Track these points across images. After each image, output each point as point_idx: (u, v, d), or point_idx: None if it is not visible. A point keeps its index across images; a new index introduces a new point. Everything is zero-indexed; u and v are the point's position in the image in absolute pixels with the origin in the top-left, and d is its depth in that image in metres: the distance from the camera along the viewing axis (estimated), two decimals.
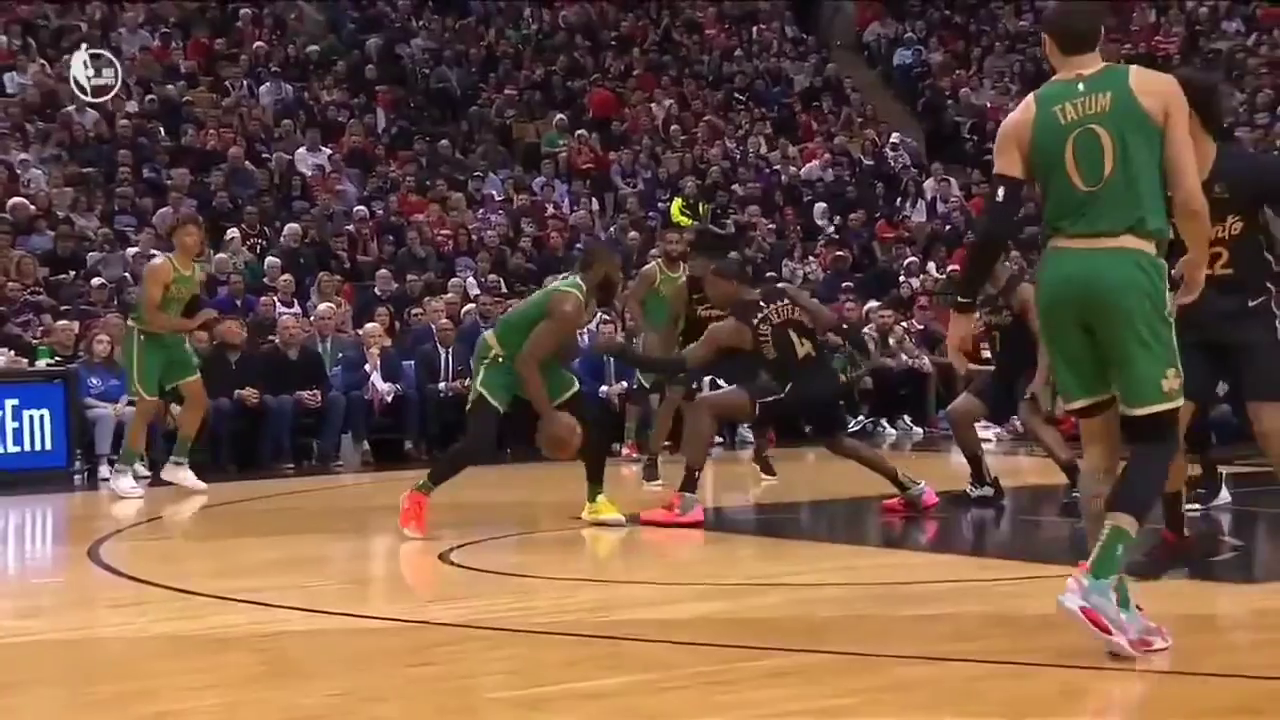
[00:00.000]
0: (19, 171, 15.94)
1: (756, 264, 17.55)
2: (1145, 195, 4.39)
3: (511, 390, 7.79)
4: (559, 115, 20.99)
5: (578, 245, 17.73)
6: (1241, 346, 5.47)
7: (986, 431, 12.81)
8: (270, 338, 13.42)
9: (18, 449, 11.46)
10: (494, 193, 19.19)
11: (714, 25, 25.25)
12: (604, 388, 13.67)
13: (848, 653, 4.60)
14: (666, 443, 11.40)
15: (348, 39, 21.79)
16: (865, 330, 15.03)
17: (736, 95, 23.37)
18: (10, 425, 11.50)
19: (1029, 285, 7.98)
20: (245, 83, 19.60)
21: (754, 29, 25.57)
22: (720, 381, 9.89)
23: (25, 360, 12.10)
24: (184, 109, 18.50)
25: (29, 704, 4.34)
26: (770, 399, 8.25)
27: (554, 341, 7.76)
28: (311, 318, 14.06)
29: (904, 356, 15.57)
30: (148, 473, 11.16)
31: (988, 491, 8.60)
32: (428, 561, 7.04)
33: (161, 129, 17.85)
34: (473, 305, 14.74)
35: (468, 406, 7.99)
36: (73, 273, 14.41)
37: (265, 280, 15.14)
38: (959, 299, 4.72)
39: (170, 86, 18.79)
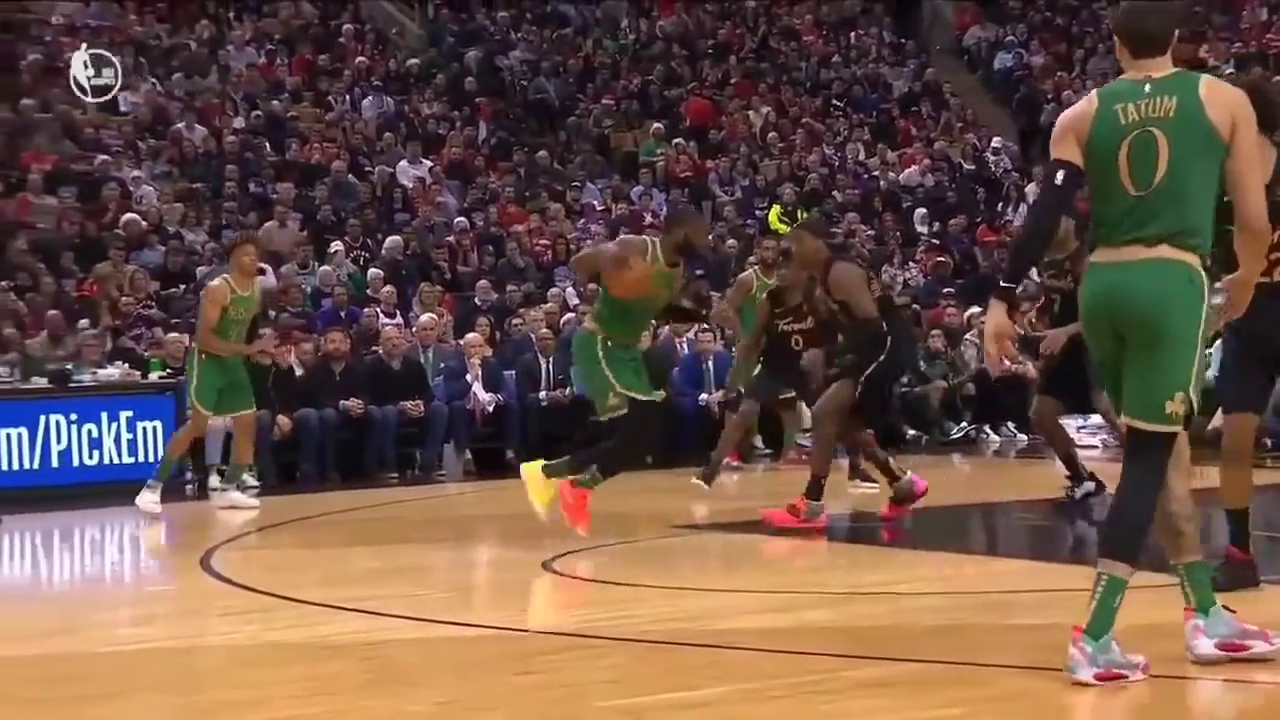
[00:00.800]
0: (131, 188, 16.30)
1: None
2: (1193, 207, 4.24)
3: (641, 373, 7.77)
4: (656, 124, 21.03)
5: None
6: None
7: (1094, 437, 12.64)
8: (374, 348, 13.58)
9: (131, 460, 11.73)
10: (593, 202, 19.28)
11: (811, 31, 25.15)
12: (704, 395, 13.68)
13: (950, 662, 4.57)
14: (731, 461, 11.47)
15: (447, 52, 22.01)
16: (967, 336, 14.93)
17: (834, 101, 23.26)
18: (125, 436, 11.79)
19: None
20: (348, 97, 19.87)
21: (852, 34, 25.45)
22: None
23: (138, 373, 12.37)
24: (288, 124, 18.81)
25: (140, 711, 4.44)
26: (872, 369, 8.16)
27: (611, 263, 7.70)
28: (414, 328, 14.21)
29: (1006, 362, 15.38)
30: (256, 483, 11.35)
31: (1089, 487, 8.48)
32: (531, 570, 7.09)
33: (267, 144, 18.16)
34: (572, 315, 14.80)
35: (616, 413, 7.67)
36: (182, 286, 14.71)
37: (368, 292, 15.33)
38: (1001, 283, 4.50)
39: (275, 102, 19.11)
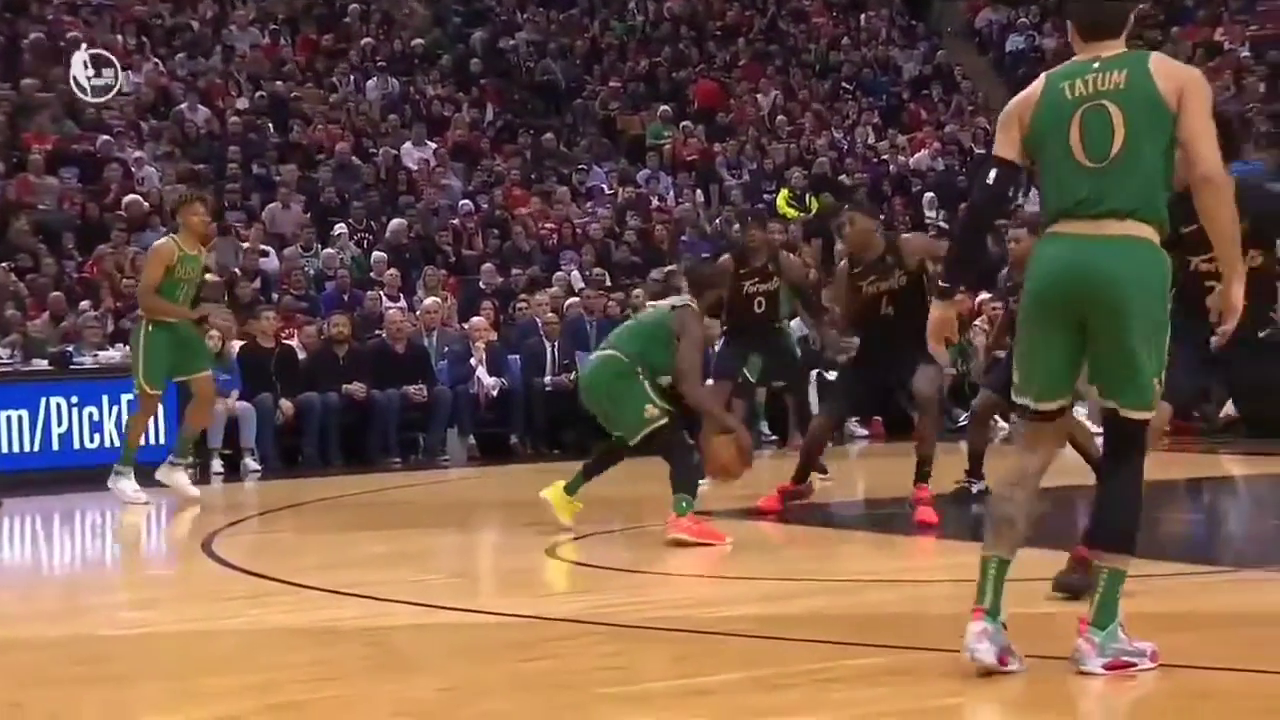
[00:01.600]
0: (134, 169, 16.30)
1: None
2: (1152, 176, 4.18)
3: (660, 387, 7.61)
4: (664, 107, 21.00)
5: (683, 238, 17.75)
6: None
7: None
8: (377, 332, 13.59)
9: (149, 421, 11.65)
10: (599, 185, 19.26)
11: (821, 13, 25.11)
12: (708, 381, 13.65)
13: (958, 650, 4.57)
14: None
15: (453, 33, 21.98)
16: (976, 323, 14.89)
17: (844, 84, 23.22)
18: (126, 419, 11.73)
19: None
20: (352, 78, 19.86)
21: (861, 16, 25.39)
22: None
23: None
24: (292, 105, 18.80)
25: (144, 695, 4.45)
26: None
27: (700, 357, 7.62)
28: (418, 312, 14.22)
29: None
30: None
31: (982, 487, 8.47)
32: (536, 556, 7.10)
33: (270, 125, 18.15)
34: (577, 299, 14.81)
35: (656, 424, 7.42)
36: None
37: (372, 275, 15.33)
38: (940, 284, 4.53)
39: (279, 83, 19.10)
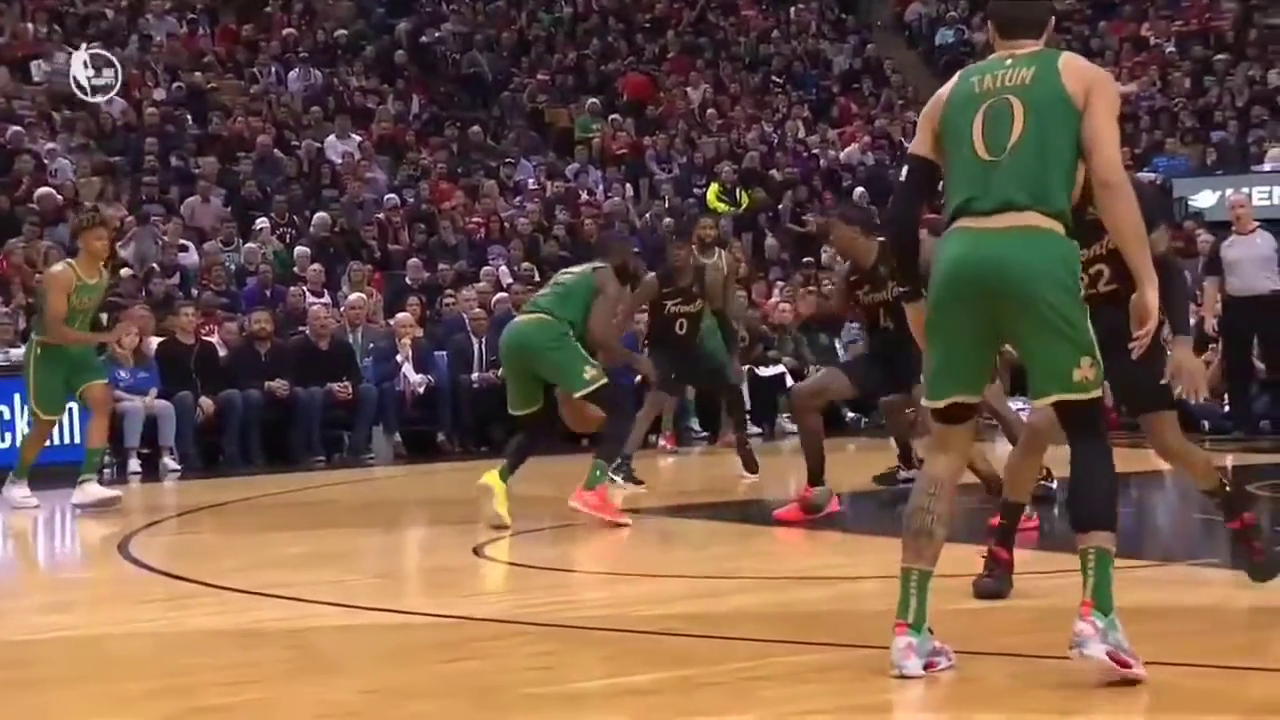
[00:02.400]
0: (46, 161, 16.07)
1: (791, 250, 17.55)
2: (1052, 170, 4.16)
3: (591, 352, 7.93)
4: (592, 100, 21.01)
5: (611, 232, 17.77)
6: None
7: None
8: (300, 328, 13.50)
9: (45, 443, 11.51)
10: (526, 179, 19.23)
11: (750, 6, 25.21)
12: (638, 376, 13.68)
13: (889, 647, 4.60)
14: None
15: (377, 23, 21.87)
16: None
17: (774, 78, 23.33)
18: (21, 436, 11.58)
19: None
20: (273, 69, 19.70)
21: (791, 9, 25.53)
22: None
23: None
24: (211, 96, 18.62)
25: (60, 701, 4.40)
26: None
27: (613, 311, 8.12)
28: (342, 308, 14.13)
29: None
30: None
31: (913, 474, 8.57)
32: (462, 555, 7.08)
33: (189, 117, 17.96)
34: (505, 294, 14.78)
35: (597, 384, 7.75)
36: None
37: (295, 270, 15.22)
38: (898, 288, 4.55)
39: (198, 74, 18.90)
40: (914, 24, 25.92)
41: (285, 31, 20.48)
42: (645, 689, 4.25)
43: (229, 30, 20.33)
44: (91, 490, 9.39)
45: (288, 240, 16.08)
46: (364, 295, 14.28)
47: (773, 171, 20.34)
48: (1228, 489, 5.65)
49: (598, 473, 7.69)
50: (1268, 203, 17.53)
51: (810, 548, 7.52)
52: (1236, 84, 22.01)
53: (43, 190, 15.19)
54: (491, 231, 17.32)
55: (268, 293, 14.53)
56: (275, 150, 17.79)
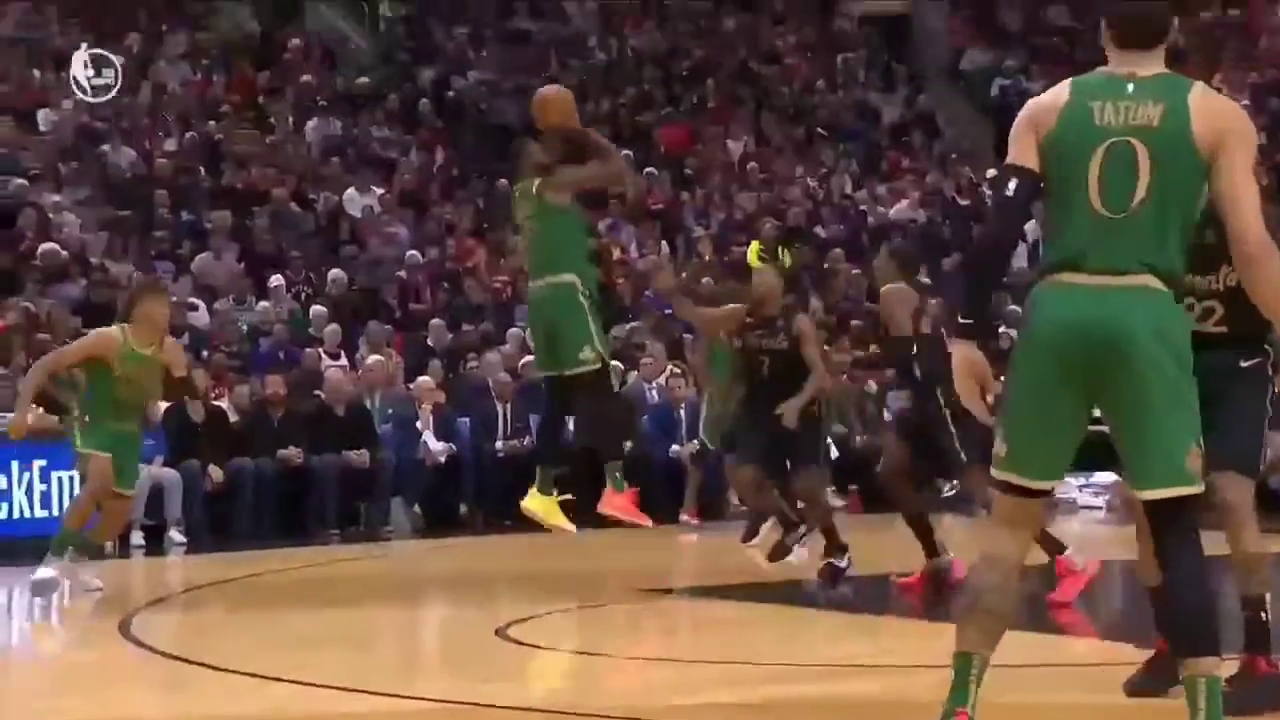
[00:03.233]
0: (51, 215, 16.24)
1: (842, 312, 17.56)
2: (1172, 232, 3.94)
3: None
4: (626, 151, 21.09)
5: (646, 292, 17.82)
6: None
7: (1098, 498, 12.83)
8: (316, 393, 13.57)
9: (44, 514, 11.58)
10: None
11: (795, 54, 25.35)
12: (675, 446, 13.71)
13: None
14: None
15: (400, 71, 22.08)
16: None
17: (819, 130, 23.42)
18: (38, 488, 11.67)
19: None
20: (291, 118, 19.90)
21: (839, 57, 25.65)
22: None
23: (54, 419, 12.26)
24: (225, 147, 18.81)
25: None
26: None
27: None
28: (360, 371, 14.21)
29: (989, 399, 15.44)
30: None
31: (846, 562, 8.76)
32: (483, 636, 7.07)
33: (202, 168, 18.15)
34: (532, 358, 14.81)
35: (586, 367, 7.33)
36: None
37: (311, 330, 15.31)
38: (960, 319, 4.10)
39: (211, 122, 19.11)
40: (969, 73, 26.01)
41: (303, 79, 20.69)
42: None
43: (244, 77, 20.55)
44: (44, 573, 8.68)
45: (304, 299, 16.18)
46: (383, 358, 14.36)
47: (818, 228, 20.38)
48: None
49: (617, 474, 7.48)
50: None
51: (854, 633, 7.47)
52: None
53: (46, 246, 15.31)
54: (518, 291, 17.38)
55: (282, 355, 14.62)
56: (292, 204, 17.92)
